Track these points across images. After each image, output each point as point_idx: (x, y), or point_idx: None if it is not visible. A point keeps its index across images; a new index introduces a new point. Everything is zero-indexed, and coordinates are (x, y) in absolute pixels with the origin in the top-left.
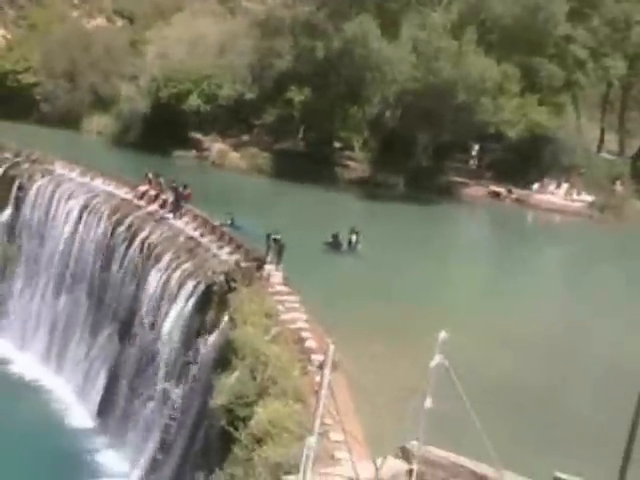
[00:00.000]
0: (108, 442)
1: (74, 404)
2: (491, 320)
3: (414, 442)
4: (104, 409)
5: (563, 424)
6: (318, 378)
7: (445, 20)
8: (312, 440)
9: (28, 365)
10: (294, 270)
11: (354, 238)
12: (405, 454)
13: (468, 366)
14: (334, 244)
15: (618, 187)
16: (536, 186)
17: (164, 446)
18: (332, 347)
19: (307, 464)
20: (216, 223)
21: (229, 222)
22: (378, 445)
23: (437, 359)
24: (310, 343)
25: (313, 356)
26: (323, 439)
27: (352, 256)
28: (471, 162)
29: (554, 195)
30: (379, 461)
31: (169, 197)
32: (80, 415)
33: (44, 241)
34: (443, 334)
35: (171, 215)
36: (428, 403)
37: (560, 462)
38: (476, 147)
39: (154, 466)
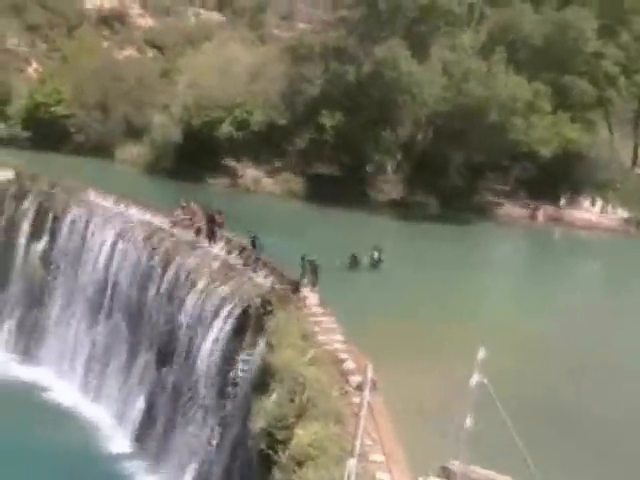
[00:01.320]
0: (147, 466)
1: (113, 430)
2: (527, 337)
3: (455, 461)
4: (143, 434)
5: (603, 444)
6: (356, 399)
7: (474, 41)
8: (353, 462)
9: (67, 392)
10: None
11: (376, 255)
12: (446, 473)
13: (506, 384)
14: (352, 264)
15: None
16: (563, 202)
17: (203, 470)
18: (370, 368)
19: None
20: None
21: (251, 240)
22: (419, 465)
23: (476, 377)
24: (348, 364)
25: (351, 377)
26: (363, 460)
27: (376, 273)
28: (505, 181)
29: (589, 212)
30: None
31: (203, 224)
32: (119, 441)
33: (80, 269)
34: (482, 352)
35: (206, 241)
36: (468, 422)
37: None
38: (512, 166)
39: None
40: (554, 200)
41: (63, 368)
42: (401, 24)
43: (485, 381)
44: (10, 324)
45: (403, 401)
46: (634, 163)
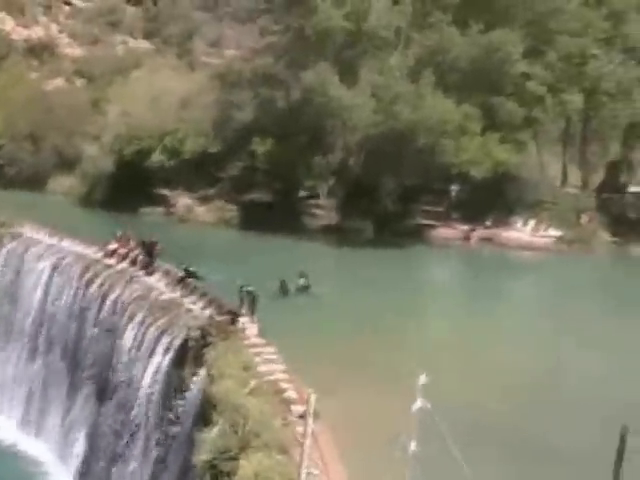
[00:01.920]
0: None
1: (55, 467)
2: (466, 358)
3: None
4: (86, 470)
5: (548, 463)
6: (299, 428)
7: (402, 64)
8: None
9: (6, 430)
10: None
11: (302, 281)
12: None
13: (448, 407)
14: (282, 290)
15: (584, 220)
16: (489, 223)
17: None
18: (313, 397)
19: None
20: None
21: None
22: None
23: (419, 403)
24: (289, 394)
25: (293, 407)
26: None
27: (308, 299)
28: (439, 204)
29: (521, 232)
30: None
31: (139, 254)
32: (62, 477)
33: (16, 304)
34: (423, 378)
35: (142, 272)
36: (413, 447)
37: None
38: (451, 187)
39: None
40: (487, 221)
41: (2, 406)
42: (329, 49)
43: (428, 406)
44: None
45: (347, 428)
46: (564, 182)
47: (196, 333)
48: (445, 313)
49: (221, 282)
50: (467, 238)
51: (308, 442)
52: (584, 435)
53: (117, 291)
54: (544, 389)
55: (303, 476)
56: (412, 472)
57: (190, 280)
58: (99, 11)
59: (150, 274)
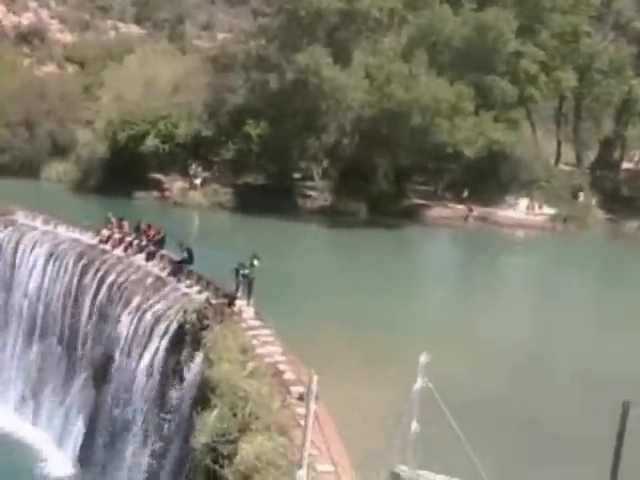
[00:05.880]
0: None
1: (53, 453)
2: (463, 337)
3: (403, 467)
4: (84, 455)
5: (547, 439)
6: (299, 410)
7: (396, 45)
8: (302, 473)
9: (4, 416)
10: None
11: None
12: (395, 479)
13: (448, 386)
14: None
15: (580, 198)
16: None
17: None
18: (315, 378)
19: None
20: (177, 259)
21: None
22: (368, 472)
23: (420, 382)
24: (288, 375)
25: (292, 388)
26: (312, 471)
27: None
28: (433, 184)
29: (516, 210)
30: None
31: (134, 239)
32: (60, 463)
33: (11, 292)
34: (424, 357)
35: (137, 257)
36: (414, 426)
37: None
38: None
39: None
40: (482, 200)
41: None
42: (322, 30)
43: (430, 385)
44: None
45: (347, 409)
46: (557, 160)
47: (193, 316)
48: (443, 295)
49: (215, 264)
50: (462, 217)
51: (310, 423)
52: (584, 413)
53: (113, 276)
54: (542, 365)
55: (305, 457)
56: (413, 451)
57: (186, 264)
58: None
59: (148, 260)
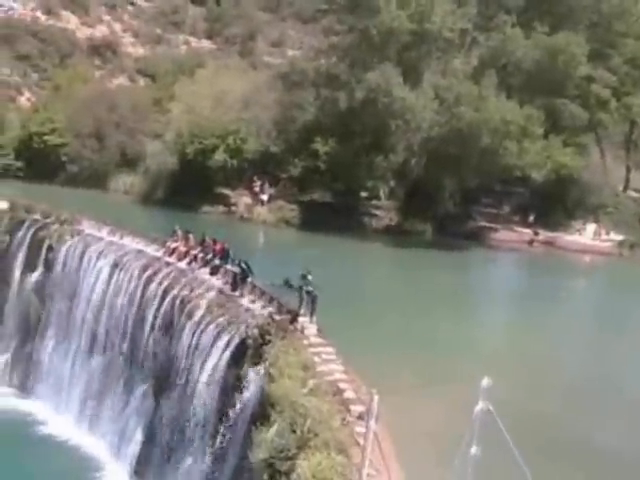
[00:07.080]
0: None
1: (111, 463)
2: (526, 363)
3: None
4: (141, 467)
5: (608, 466)
6: (358, 429)
7: (466, 66)
8: None
9: (63, 426)
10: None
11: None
12: None
13: (508, 410)
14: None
15: None
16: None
17: None
18: (376, 397)
19: None
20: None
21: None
22: None
23: (481, 405)
24: (348, 394)
25: (352, 407)
26: None
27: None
28: (499, 206)
29: (582, 236)
30: None
31: (199, 253)
32: (117, 474)
33: (75, 301)
34: (486, 380)
35: (202, 270)
36: (474, 450)
37: None
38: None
39: None
40: (548, 224)
41: (59, 401)
42: (393, 50)
43: (491, 408)
44: (5, 357)
45: (407, 430)
46: (626, 187)
47: (255, 331)
48: (508, 319)
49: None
50: (527, 241)
51: (369, 443)
52: None
53: (176, 289)
54: (602, 391)
55: (364, 476)
56: (473, 475)
57: (249, 279)
58: (162, 11)
59: (212, 273)
